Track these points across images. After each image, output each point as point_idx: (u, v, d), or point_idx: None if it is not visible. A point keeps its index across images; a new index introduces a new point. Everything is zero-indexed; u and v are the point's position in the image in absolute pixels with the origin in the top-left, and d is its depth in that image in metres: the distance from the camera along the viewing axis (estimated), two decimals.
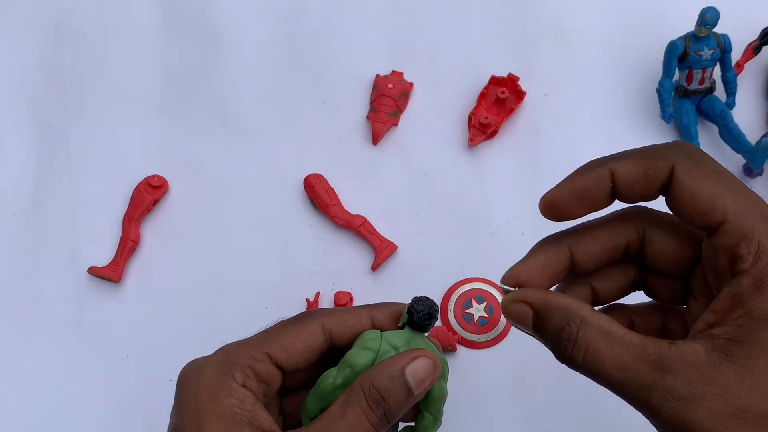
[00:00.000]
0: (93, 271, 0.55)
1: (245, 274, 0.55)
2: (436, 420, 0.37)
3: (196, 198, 0.58)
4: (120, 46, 0.63)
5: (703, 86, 0.56)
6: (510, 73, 0.58)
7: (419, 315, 0.35)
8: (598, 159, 0.32)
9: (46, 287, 0.55)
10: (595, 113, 0.59)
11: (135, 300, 0.55)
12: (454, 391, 0.51)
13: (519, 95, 0.58)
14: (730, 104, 0.56)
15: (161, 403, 0.50)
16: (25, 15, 0.64)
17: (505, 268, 0.54)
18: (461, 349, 0.52)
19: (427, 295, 0.36)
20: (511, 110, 0.58)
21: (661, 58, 0.56)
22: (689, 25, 0.55)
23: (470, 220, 0.56)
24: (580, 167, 0.33)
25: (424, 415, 0.37)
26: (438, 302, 0.53)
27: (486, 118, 0.57)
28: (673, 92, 0.56)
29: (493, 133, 0.57)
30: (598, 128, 0.58)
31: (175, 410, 0.33)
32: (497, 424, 0.50)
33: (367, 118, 0.59)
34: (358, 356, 0.34)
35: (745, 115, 0.57)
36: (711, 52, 0.54)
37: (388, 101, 0.58)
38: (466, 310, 0.53)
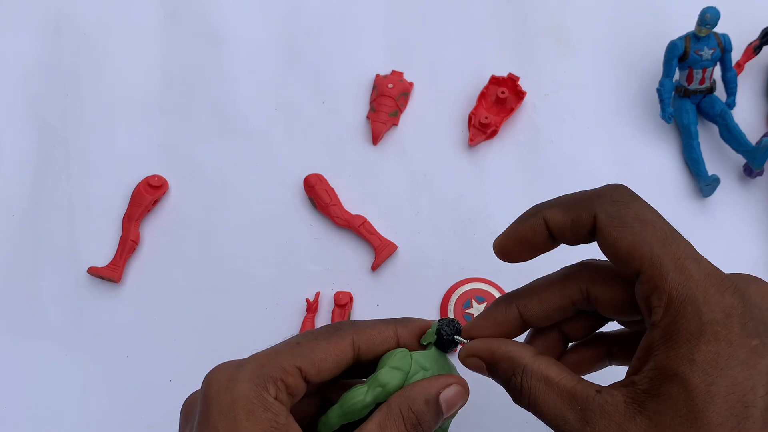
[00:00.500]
0: (93, 271, 0.54)
1: (245, 274, 0.55)
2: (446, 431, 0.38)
3: (196, 198, 0.58)
4: (120, 46, 0.63)
5: (703, 86, 0.56)
6: (510, 73, 0.58)
7: (448, 338, 0.36)
8: (534, 207, 0.35)
9: (45, 287, 0.55)
10: (595, 113, 0.59)
11: (135, 300, 0.55)
12: None
13: (519, 95, 0.58)
14: (731, 104, 0.56)
15: (161, 404, 0.50)
16: (25, 15, 0.64)
17: (505, 267, 0.54)
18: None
19: (452, 317, 0.36)
20: (511, 110, 0.58)
21: (662, 58, 0.56)
22: (689, 25, 0.55)
23: (470, 220, 0.56)
24: (521, 215, 0.35)
25: (436, 429, 0.37)
26: (438, 302, 0.54)
27: (486, 118, 0.57)
28: (673, 92, 0.56)
29: (493, 133, 0.57)
30: (598, 128, 0.58)
31: (206, 418, 0.32)
32: (497, 425, 0.50)
33: (367, 118, 0.59)
34: (389, 376, 0.35)
35: (745, 115, 0.57)
36: (711, 51, 0.54)
37: (388, 101, 0.58)
38: (466, 310, 0.53)
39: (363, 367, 0.36)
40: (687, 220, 0.55)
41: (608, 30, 0.61)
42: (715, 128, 0.56)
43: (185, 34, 0.63)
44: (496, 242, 0.37)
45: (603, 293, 0.34)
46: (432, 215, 0.56)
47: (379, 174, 0.58)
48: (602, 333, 0.38)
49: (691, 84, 0.56)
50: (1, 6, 0.65)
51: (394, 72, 0.60)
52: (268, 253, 0.56)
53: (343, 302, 0.52)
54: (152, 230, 0.57)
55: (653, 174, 0.56)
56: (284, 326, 0.53)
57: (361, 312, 0.53)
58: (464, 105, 0.59)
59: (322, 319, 0.53)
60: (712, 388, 0.28)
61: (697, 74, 0.55)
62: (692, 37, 0.54)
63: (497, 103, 0.58)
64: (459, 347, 0.37)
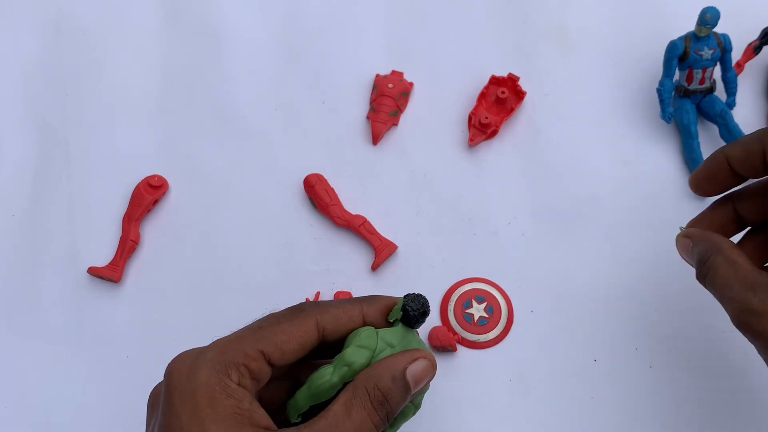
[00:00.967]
0: (93, 271, 0.55)
1: (245, 274, 0.55)
2: (417, 408, 0.38)
3: (196, 198, 0.58)
4: (120, 46, 0.63)
5: (703, 86, 0.56)
6: (510, 73, 0.58)
7: (415, 313, 0.35)
8: (720, 148, 0.42)
9: (46, 287, 0.55)
10: (595, 113, 0.59)
11: (135, 300, 0.55)
12: (454, 391, 0.51)
13: (519, 95, 0.58)
14: (731, 104, 0.56)
15: None
16: (25, 15, 0.64)
17: (505, 268, 0.54)
18: (461, 349, 0.52)
19: (419, 292, 0.36)
20: (511, 110, 0.58)
21: (662, 58, 0.56)
22: (689, 25, 0.55)
23: (470, 220, 0.56)
24: (711, 154, 0.42)
25: (407, 405, 0.37)
26: (438, 302, 0.54)
27: (486, 118, 0.57)
28: (673, 92, 0.56)
29: (493, 133, 0.57)
30: (598, 128, 0.58)
31: (168, 407, 0.32)
32: (497, 424, 0.50)
33: (367, 118, 0.59)
34: (355, 355, 0.34)
35: (745, 116, 0.57)
36: (711, 52, 0.54)
37: (388, 101, 0.58)
38: (466, 310, 0.53)
39: (332, 347, 0.36)
40: (686, 220, 0.55)
41: (608, 30, 0.61)
42: (715, 128, 0.56)
43: (185, 34, 0.63)
44: (690, 179, 0.44)
45: None
46: (432, 215, 0.56)
47: (379, 174, 0.58)
48: None
49: (691, 84, 0.56)
50: (1, 6, 0.65)
51: (394, 72, 0.60)
52: (268, 253, 0.56)
53: None
54: (152, 230, 0.57)
55: (653, 174, 0.56)
56: None
57: None
58: (464, 105, 0.59)
59: None
60: None
61: (697, 74, 0.55)
62: (692, 37, 0.54)
63: (497, 103, 0.58)
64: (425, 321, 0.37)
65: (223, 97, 0.61)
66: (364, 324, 0.36)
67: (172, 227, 0.57)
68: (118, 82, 0.62)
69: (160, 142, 0.59)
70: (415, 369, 0.35)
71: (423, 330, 0.52)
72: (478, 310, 0.53)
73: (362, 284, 0.54)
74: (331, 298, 0.53)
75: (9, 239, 0.57)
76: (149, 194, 0.56)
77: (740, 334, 0.50)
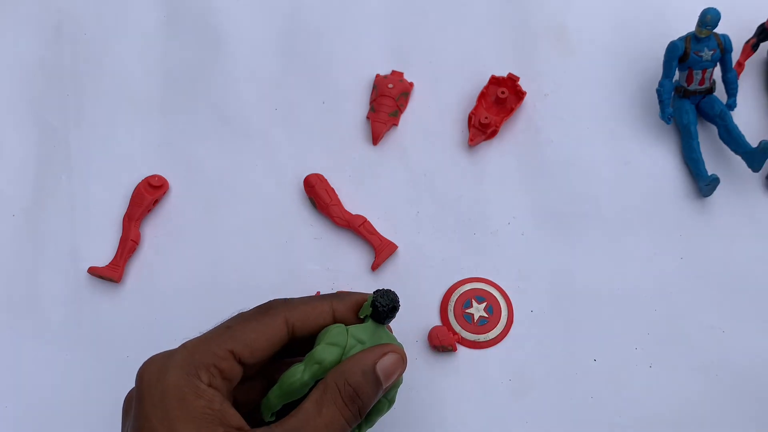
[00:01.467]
0: (93, 271, 0.55)
1: (245, 274, 0.55)
2: (392, 403, 0.38)
3: (196, 198, 0.58)
4: (120, 46, 0.63)
5: (703, 87, 0.56)
6: (510, 73, 0.58)
7: (384, 309, 0.36)
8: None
9: (46, 287, 0.55)
10: (595, 113, 0.59)
11: (135, 300, 0.55)
12: (454, 391, 0.51)
13: (519, 95, 0.58)
14: (732, 105, 0.56)
15: None
16: (25, 15, 0.64)
17: (505, 268, 0.54)
18: (461, 349, 0.52)
19: (388, 288, 0.36)
20: (511, 110, 0.58)
21: (662, 59, 0.56)
22: (690, 26, 0.55)
23: (470, 220, 0.56)
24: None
25: (381, 400, 0.37)
26: (438, 302, 0.54)
27: (486, 118, 0.57)
28: (672, 92, 0.56)
29: (493, 133, 0.57)
30: (598, 128, 0.58)
31: (139, 411, 0.32)
32: (497, 424, 0.50)
33: (367, 118, 0.59)
34: (326, 352, 0.34)
35: (745, 116, 0.57)
36: (711, 53, 0.54)
37: (388, 101, 0.58)
38: (466, 310, 0.53)
39: (305, 343, 0.36)
40: (687, 220, 0.55)
41: (608, 30, 0.61)
42: (715, 129, 0.56)
43: (185, 34, 0.63)
44: None
45: None
46: (432, 215, 0.56)
47: (379, 174, 0.58)
48: None
49: (690, 85, 0.56)
50: (2, 6, 0.65)
51: (394, 72, 0.60)
52: (268, 253, 0.56)
53: None
54: (152, 230, 0.57)
55: (653, 174, 0.56)
56: None
57: None
58: (464, 105, 0.59)
59: None
60: None
61: (697, 75, 0.55)
62: (692, 38, 0.54)
63: (497, 103, 0.58)
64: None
65: (223, 97, 0.61)
66: (334, 320, 0.37)
67: (172, 227, 0.57)
68: (119, 82, 0.62)
69: (160, 142, 0.59)
70: (385, 363, 0.35)
71: (423, 330, 0.52)
72: (478, 310, 0.53)
73: (362, 284, 0.54)
74: None
75: (9, 239, 0.57)
76: (149, 194, 0.56)
77: (740, 334, 0.50)
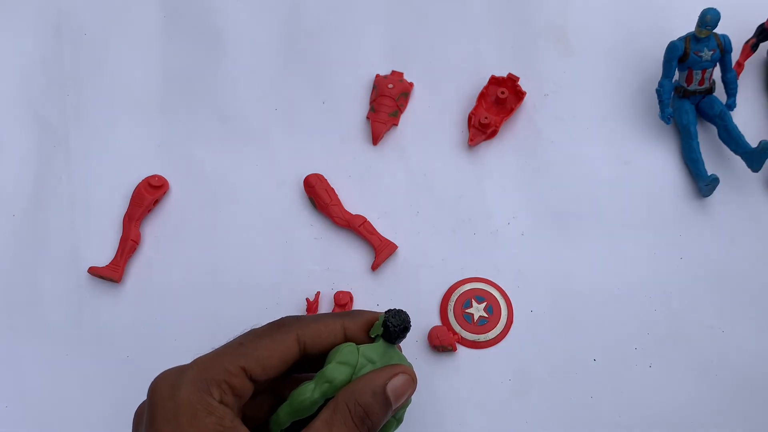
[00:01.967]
0: (93, 271, 0.55)
1: (245, 274, 0.55)
2: (400, 422, 0.38)
3: (196, 198, 0.58)
4: (120, 46, 0.63)
5: (702, 87, 0.56)
6: (510, 73, 0.58)
7: (395, 329, 0.36)
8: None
9: (46, 287, 0.55)
10: (595, 113, 0.59)
11: (135, 300, 0.55)
12: (454, 390, 0.51)
13: (519, 95, 0.58)
14: (731, 105, 0.56)
15: None
16: (25, 15, 0.64)
17: (505, 267, 0.54)
18: (461, 349, 0.52)
19: (401, 308, 0.36)
20: (511, 110, 0.58)
21: (661, 59, 0.56)
22: (689, 26, 0.55)
23: (470, 220, 0.56)
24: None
25: (389, 419, 0.37)
26: (438, 302, 0.54)
27: (486, 118, 0.57)
28: (672, 93, 0.56)
29: (493, 133, 0.57)
30: (598, 128, 0.58)
31: (150, 426, 0.32)
32: (497, 424, 0.50)
33: (367, 118, 0.59)
34: (336, 371, 0.35)
35: (745, 116, 0.57)
36: (711, 53, 0.54)
37: (388, 101, 0.58)
38: (466, 310, 0.53)
39: (315, 361, 0.36)
40: (686, 220, 0.55)
41: (608, 30, 0.61)
42: (715, 129, 0.56)
43: (185, 34, 0.63)
44: None
45: None
46: (432, 215, 0.56)
47: (379, 174, 0.58)
48: None
49: (690, 85, 0.56)
50: (2, 6, 0.65)
51: (394, 72, 0.60)
52: (268, 253, 0.56)
53: (343, 302, 0.53)
54: (153, 230, 0.57)
55: (653, 174, 0.56)
56: None
57: None
58: (464, 105, 0.59)
59: None
60: None
61: (697, 75, 0.55)
62: (692, 38, 0.54)
63: (497, 104, 0.58)
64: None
65: (223, 97, 0.61)
66: (346, 339, 0.37)
67: (172, 227, 0.57)
68: (119, 82, 0.62)
69: (160, 142, 0.59)
70: (395, 384, 0.35)
71: (423, 330, 0.52)
72: (477, 310, 0.53)
73: (362, 284, 0.54)
74: (331, 298, 0.54)
75: (9, 239, 0.57)
76: (150, 194, 0.56)
77: (740, 334, 0.50)
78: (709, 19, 0.52)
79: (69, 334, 0.54)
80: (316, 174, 0.57)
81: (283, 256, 0.55)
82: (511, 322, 0.53)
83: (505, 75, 0.59)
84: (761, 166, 0.53)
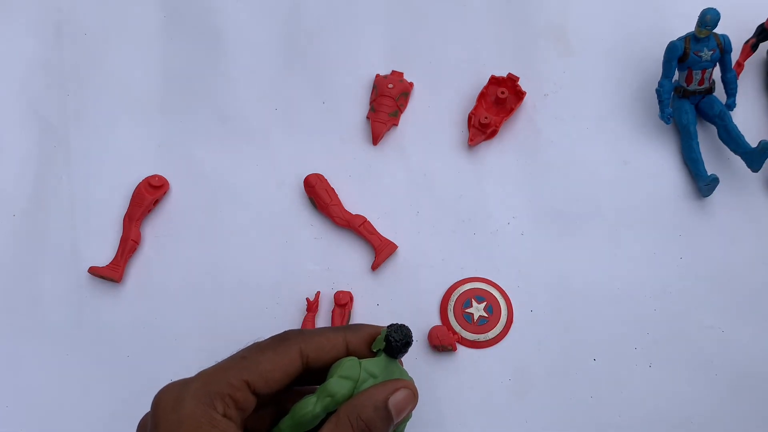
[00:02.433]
0: (93, 271, 0.55)
1: (245, 274, 0.55)
2: None
3: (196, 198, 0.58)
4: (120, 46, 0.63)
5: (702, 87, 0.56)
6: (510, 73, 0.58)
7: (398, 344, 0.36)
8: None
9: (46, 287, 0.55)
10: (595, 113, 0.59)
11: (135, 300, 0.55)
12: (454, 390, 0.51)
13: (519, 95, 0.58)
14: (731, 105, 0.56)
15: None
16: (25, 15, 0.64)
17: (504, 267, 0.54)
18: (461, 349, 0.52)
19: (403, 323, 0.36)
20: (511, 110, 0.58)
21: (661, 58, 0.56)
22: (689, 26, 0.55)
23: (470, 220, 0.56)
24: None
25: None
26: (438, 302, 0.54)
27: (486, 118, 0.57)
28: (672, 92, 0.56)
29: (493, 133, 0.57)
30: (598, 128, 0.58)
31: None
32: (497, 424, 0.50)
33: (367, 118, 0.59)
34: (338, 386, 0.35)
35: (745, 116, 0.57)
36: (711, 53, 0.54)
37: (388, 101, 0.58)
38: (466, 310, 0.53)
39: (317, 374, 0.37)
40: (686, 220, 0.55)
41: (608, 30, 0.61)
42: (714, 129, 0.56)
43: (185, 34, 0.63)
44: None
45: None
46: (432, 215, 0.56)
47: (379, 174, 0.58)
48: None
49: (690, 85, 0.56)
50: (2, 6, 0.65)
51: (394, 72, 0.60)
52: (268, 252, 0.56)
53: (343, 302, 0.53)
54: (153, 230, 0.57)
55: (653, 174, 0.56)
56: (284, 326, 0.53)
57: (361, 312, 0.53)
58: (464, 105, 0.59)
59: (323, 318, 0.53)
60: None
61: (697, 75, 0.55)
62: (692, 38, 0.54)
63: (497, 103, 0.58)
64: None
65: (223, 98, 0.61)
66: (348, 352, 0.37)
67: (172, 227, 0.57)
68: (119, 82, 0.62)
69: (160, 142, 0.59)
70: (397, 399, 0.35)
71: (423, 330, 0.52)
72: (477, 310, 0.53)
73: (362, 284, 0.54)
74: (331, 298, 0.54)
75: (9, 239, 0.57)
76: (150, 194, 0.56)
77: (740, 334, 0.50)
78: (708, 19, 0.52)
79: (69, 334, 0.54)
80: (316, 174, 0.57)
81: (283, 256, 0.55)
82: (511, 322, 0.53)
83: (505, 75, 0.59)
84: (761, 166, 0.53)
